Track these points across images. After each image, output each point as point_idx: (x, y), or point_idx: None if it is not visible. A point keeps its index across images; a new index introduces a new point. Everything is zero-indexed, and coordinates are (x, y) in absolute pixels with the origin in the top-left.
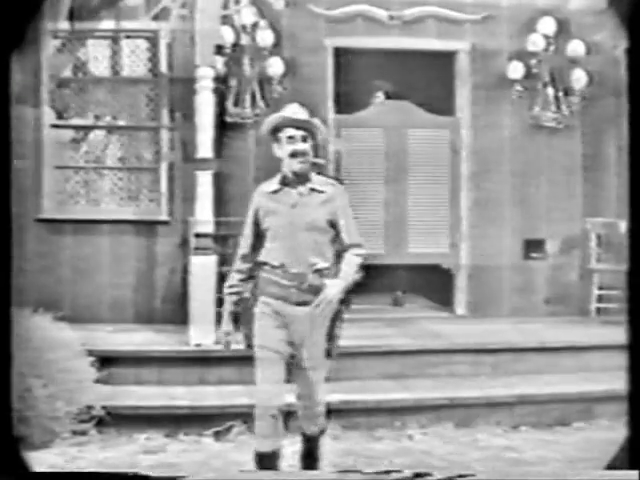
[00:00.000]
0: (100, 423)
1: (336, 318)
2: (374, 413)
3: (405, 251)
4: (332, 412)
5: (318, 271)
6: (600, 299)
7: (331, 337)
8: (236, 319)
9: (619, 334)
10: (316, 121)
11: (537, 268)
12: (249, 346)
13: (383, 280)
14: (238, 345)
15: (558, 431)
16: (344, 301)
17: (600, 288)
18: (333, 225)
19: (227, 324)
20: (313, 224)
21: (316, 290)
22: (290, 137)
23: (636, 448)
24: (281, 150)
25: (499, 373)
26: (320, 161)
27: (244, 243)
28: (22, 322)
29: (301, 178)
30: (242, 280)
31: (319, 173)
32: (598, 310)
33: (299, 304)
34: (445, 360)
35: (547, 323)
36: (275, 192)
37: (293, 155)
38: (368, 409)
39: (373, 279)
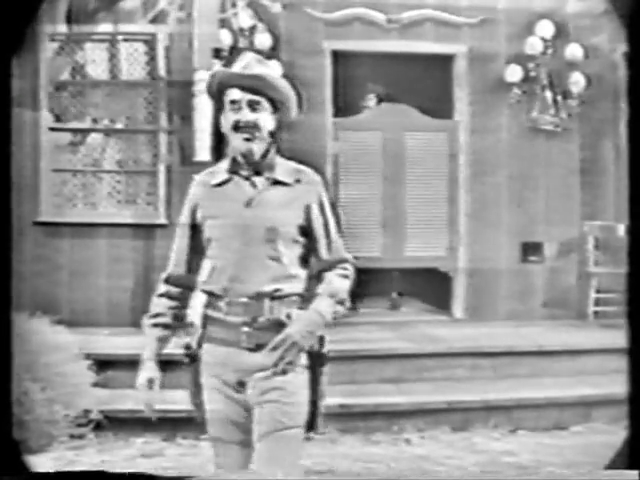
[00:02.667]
0: (98, 427)
1: (315, 369)
2: (371, 417)
3: (402, 254)
4: (329, 416)
5: (281, 299)
6: (598, 302)
7: (312, 398)
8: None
9: (617, 337)
10: (274, 78)
11: (535, 271)
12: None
13: (380, 283)
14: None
15: (556, 435)
16: (322, 342)
17: (598, 291)
18: (306, 232)
19: (149, 370)
20: (275, 231)
21: (279, 327)
22: (232, 102)
23: (636, 448)
24: (225, 121)
25: (497, 377)
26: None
27: (175, 259)
28: (19, 325)
29: (258, 164)
30: (172, 308)
31: (287, 157)
32: (596, 313)
33: (254, 350)
34: (443, 364)
35: (545, 326)
36: (221, 184)
37: (235, 128)
38: (365, 413)
39: (369, 282)
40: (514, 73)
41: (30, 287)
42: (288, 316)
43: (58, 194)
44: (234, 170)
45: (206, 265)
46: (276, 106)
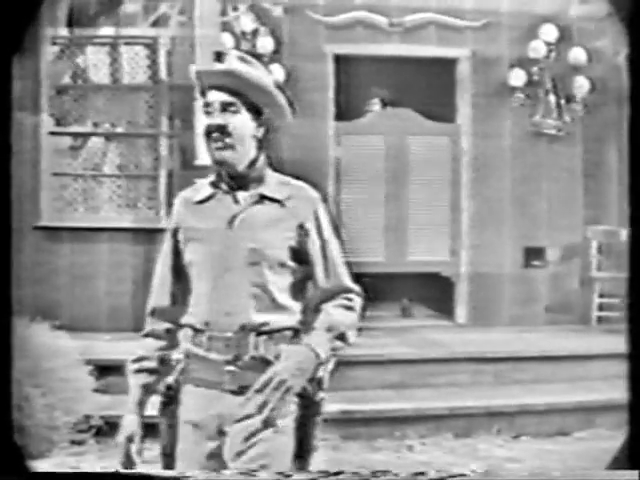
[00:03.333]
0: (98, 433)
1: (306, 419)
2: (374, 423)
3: (405, 259)
4: (331, 422)
5: (269, 334)
6: (601, 307)
7: (300, 450)
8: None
9: (621, 343)
10: (253, 76)
11: (538, 276)
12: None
13: (383, 289)
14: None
15: (559, 441)
16: (320, 383)
17: (601, 296)
18: (300, 257)
19: (131, 424)
20: (258, 253)
21: (264, 366)
22: (206, 104)
23: (636, 448)
24: (200, 127)
25: (500, 382)
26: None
27: (158, 289)
28: (20, 331)
29: (243, 177)
30: (159, 349)
31: (277, 170)
32: (599, 318)
33: (238, 392)
34: (445, 369)
35: (548, 332)
36: (204, 201)
37: (207, 134)
38: (367, 419)
39: (373, 288)
40: (517, 77)
41: (30, 292)
42: (278, 354)
43: (58, 198)
44: (217, 184)
45: (191, 296)
46: (258, 110)
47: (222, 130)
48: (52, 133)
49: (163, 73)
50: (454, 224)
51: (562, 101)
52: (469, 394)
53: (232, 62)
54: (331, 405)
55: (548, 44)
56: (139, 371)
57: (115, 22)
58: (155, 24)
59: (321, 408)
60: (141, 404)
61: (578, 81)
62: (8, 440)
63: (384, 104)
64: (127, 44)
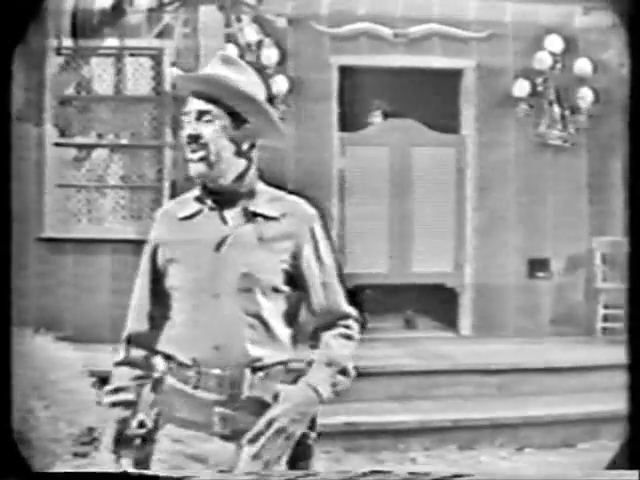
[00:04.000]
0: (127, 441)
1: (296, 459)
2: (377, 435)
3: (409, 270)
4: (335, 434)
5: (265, 369)
6: (606, 318)
7: None
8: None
9: (625, 354)
10: (233, 82)
11: (542, 288)
12: None
13: (387, 300)
14: None
15: (563, 453)
16: (313, 422)
17: (606, 307)
18: (295, 281)
19: (109, 462)
20: (254, 278)
21: (261, 408)
22: (185, 114)
23: (636, 448)
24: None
25: (504, 394)
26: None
27: (136, 313)
28: (24, 342)
29: (231, 192)
30: (136, 379)
31: (270, 184)
32: (604, 329)
33: (229, 438)
34: (450, 381)
35: (553, 343)
36: (189, 217)
37: (186, 146)
38: (371, 431)
39: (377, 299)
40: (522, 88)
41: (34, 303)
42: (275, 395)
43: (62, 210)
44: (202, 200)
45: (170, 324)
46: (242, 119)
47: (195, 140)
48: (56, 144)
49: (167, 84)
50: (458, 235)
51: (567, 112)
52: (473, 406)
53: (215, 66)
54: (334, 417)
55: (553, 55)
56: (114, 404)
57: (119, 33)
58: (159, 35)
59: (313, 450)
60: (118, 441)
61: (583, 92)
62: (8, 440)
63: (385, 116)
64: (131, 55)
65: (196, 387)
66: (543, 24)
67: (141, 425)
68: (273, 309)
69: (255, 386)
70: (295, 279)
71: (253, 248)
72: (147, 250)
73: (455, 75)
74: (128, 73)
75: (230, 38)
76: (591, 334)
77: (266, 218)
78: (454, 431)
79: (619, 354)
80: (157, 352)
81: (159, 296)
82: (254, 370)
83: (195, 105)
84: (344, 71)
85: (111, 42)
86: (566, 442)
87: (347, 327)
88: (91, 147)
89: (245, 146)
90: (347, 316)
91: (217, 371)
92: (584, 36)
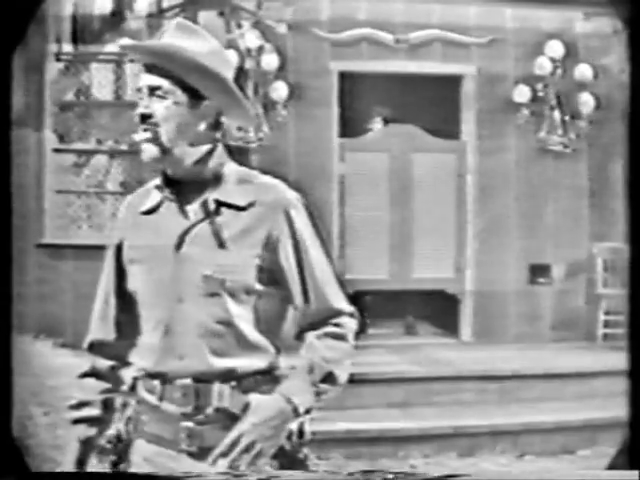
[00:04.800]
0: (101, 452)
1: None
2: (377, 442)
3: (410, 276)
4: (334, 441)
5: (237, 380)
6: (607, 324)
7: None
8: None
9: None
10: (188, 52)
11: (543, 293)
12: None
13: (387, 306)
14: None
15: (563, 459)
16: (301, 436)
17: (607, 313)
18: (273, 276)
19: None
20: (217, 281)
21: (231, 422)
22: (137, 90)
23: (636, 448)
24: None
25: (504, 401)
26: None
27: (99, 317)
28: (24, 349)
29: (193, 178)
30: (103, 392)
31: (246, 165)
32: (605, 335)
33: (197, 455)
34: (449, 388)
35: (553, 349)
36: (150, 212)
37: (140, 125)
38: (371, 438)
39: (377, 305)
40: (522, 93)
41: (34, 309)
42: (245, 406)
43: (62, 216)
44: (162, 189)
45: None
46: (199, 95)
47: (145, 120)
48: (56, 150)
49: None
50: (459, 241)
51: (567, 118)
52: (473, 413)
53: (171, 35)
54: (334, 424)
55: (554, 61)
56: (77, 422)
57: (119, 39)
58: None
59: (306, 464)
60: (81, 463)
61: (584, 98)
62: (8, 440)
63: (386, 122)
64: (131, 61)
65: (161, 399)
66: (544, 30)
67: (117, 439)
68: (245, 313)
69: (224, 397)
70: (274, 275)
71: (217, 245)
72: (110, 248)
73: (456, 81)
74: (127, 79)
75: (230, 44)
76: (592, 340)
77: (234, 207)
78: (454, 438)
79: (620, 360)
80: (125, 362)
81: (125, 300)
82: (224, 380)
83: (146, 80)
84: (344, 77)
85: (110, 48)
86: (566, 449)
87: (338, 325)
88: (91, 153)
89: (203, 125)
90: (339, 313)
91: (182, 381)
92: (585, 42)
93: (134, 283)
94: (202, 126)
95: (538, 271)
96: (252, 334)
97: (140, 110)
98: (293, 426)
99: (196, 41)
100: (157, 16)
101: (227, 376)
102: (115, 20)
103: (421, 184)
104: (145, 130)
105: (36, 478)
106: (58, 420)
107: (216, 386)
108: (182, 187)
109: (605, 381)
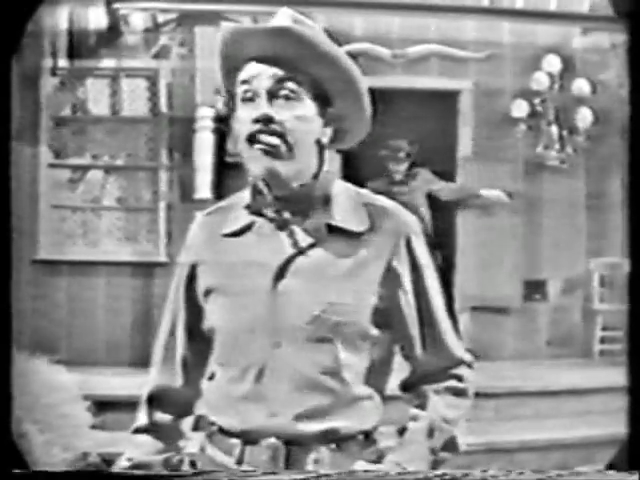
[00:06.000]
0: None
1: None
2: None
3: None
4: None
5: (339, 443)
6: (603, 340)
7: None
8: None
9: (623, 376)
10: (322, 42)
11: (539, 309)
12: None
13: None
14: None
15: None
16: None
17: (604, 329)
18: (388, 319)
19: None
20: (331, 324)
21: None
22: (244, 82)
23: (636, 448)
24: (237, 127)
25: (501, 418)
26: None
27: (163, 361)
28: (19, 365)
29: (299, 197)
30: (160, 452)
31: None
32: (602, 351)
33: None
34: None
35: (549, 366)
36: (238, 234)
37: (252, 136)
38: None
39: None
40: (520, 108)
41: (29, 326)
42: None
43: (57, 231)
44: (258, 208)
45: (211, 375)
46: (325, 97)
47: (267, 123)
48: (51, 165)
49: (163, 105)
50: (454, 256)
51: (565, 132)
52: (469, 430)
53: (285, 17)
54: None
55: (551, 75)
56: None
57: (116, 54)
58: (156, 56)
59: None
60: None
61: (581, 112)
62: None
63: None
64: (127, 76)
65: (241, 462)
66: (541, 45)
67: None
68: (357, 362)
69: (322, 462)
70: (388, 317)
71: (330, 278)
72: (180, 276)
73: (453, 96)
74: (124, 94)
75: None
76: (588, 356)
77: (348, 234)
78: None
79: (617, 376)
80: (192, 416)
81: (197, 340)
82: (324, 442)
83: (259, 68)
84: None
85: (107, 63)
86: (563, 466)
87: (459, 378)
88: (86, 168)
89: (326, 138)
90: (459, 363)
91: (272, 441)
92: (582, 57)
93: (214, 319)
94: (326, 138)
95: (534, 287)
96: (359, 387)
97: (263, 110)
98: None
99: (314, 32)
100: (153, 31)
101: (326, 437)
102: (111, 35)
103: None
104: (265, 141)
105: (36, 478)
106: (53, 438)
107: (314, 451)
108: (286, 207)
109: (602, 398)
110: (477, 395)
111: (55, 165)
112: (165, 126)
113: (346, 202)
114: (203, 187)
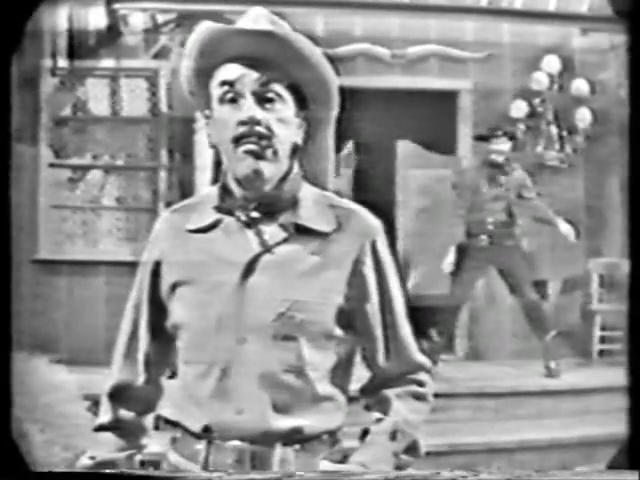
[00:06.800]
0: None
1: None
2: None
3: (404, 292)
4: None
5: (303, 443)
6: (603, 340)
7: None
8: None
9: (622, 375)
10: (301, 42)
11: None
12: None
13: None
14: None
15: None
16: None
17: (603, 329)
18: (351, 321)
19: None
20: (296, 321)
21: None
22: (224, 83)
23: (636, 448)
24: (215, 127)
25: (500, 418)
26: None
27: (123, 358)
28: (18, 365)
29: (269, 197)
30: (126, 449)
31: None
32: (601, 351)
33: None
34: (446, 405)
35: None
36: (204, 230)
37: (238, 138)
38: None
39: None
40: (519, 109)
41: (29, 326)
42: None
43: (57, 231)
44: (227, 208)
45: (172, 372)
46: (304, 97)
47: (253, 126)
48: (51, 165)
49: (163, 106)
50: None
51: (564, 133)
52: (469, 430)
53: (260, 21)
54: None
55: (551, 76)
56: None
57: (116, 54)
58: (156, 56)
59: None
60: None
61: (581, 113)
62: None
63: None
64: (127, 76)
65: (206, 465)
66: (541, 45)
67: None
68: (321, 363)
69: (288, 463)
70: (353, 319)
71: (297, 276)
72: (144, 273)
73: (452, 96)
74: (124, 94)
75: None
76: (588, 356)
77: (315, 234)
78: (450, 455)
79: (616, 376)
80: (154, 415)
81: (160, 337)
82: (287, 443)
83: (240, 71)
84: (341, 92)
85: (107, 63)
86: (563, 466)
87: (420, 384)
88: (86, 168)
89: (299, 137)
90: (419, 368)
91: (236, 443)
92: (582, 57)
93: (178, 316)
94: (300, 140)
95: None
96: (323, 386)
97: (250, 113)
98: None
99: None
100: (153, 31)
101: (291, 437)
102: (111, 35)
103: (417, 199)
104: (252, 142)
105: (36, 478)
106: (53, 437)
107: (278, 450)
108: (253, 209)
109: (602, 397)
110: (477, 395)
111: (55, 165)
112: (165, 126)
113: (313, 204)
114: (203, 187)
